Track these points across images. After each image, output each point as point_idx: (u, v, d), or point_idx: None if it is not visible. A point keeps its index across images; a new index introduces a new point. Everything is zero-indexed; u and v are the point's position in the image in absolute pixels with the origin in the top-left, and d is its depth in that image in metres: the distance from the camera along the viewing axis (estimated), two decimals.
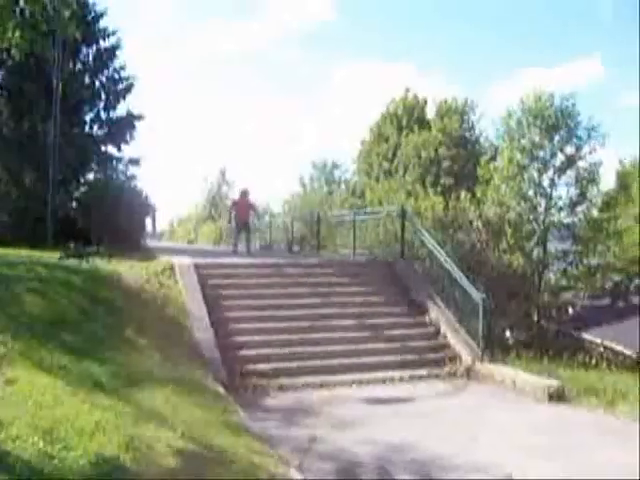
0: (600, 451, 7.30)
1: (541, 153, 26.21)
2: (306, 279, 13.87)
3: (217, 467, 4.96)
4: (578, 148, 26.33)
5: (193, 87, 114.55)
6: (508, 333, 24.45)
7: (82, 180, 23.41)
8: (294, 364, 10.82)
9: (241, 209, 19.82)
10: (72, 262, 12.90)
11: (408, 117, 43.35)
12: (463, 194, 27.59)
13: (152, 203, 20.89)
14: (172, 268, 13.13)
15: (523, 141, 26.26)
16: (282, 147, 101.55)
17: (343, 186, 53.23)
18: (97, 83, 24.00)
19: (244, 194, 19.92)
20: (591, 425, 8.46)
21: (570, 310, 29.99)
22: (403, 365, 11.38)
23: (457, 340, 12.16)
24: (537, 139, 26.12)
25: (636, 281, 29.28)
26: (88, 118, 23.99)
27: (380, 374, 10.93)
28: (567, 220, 27.09)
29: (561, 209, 26.84)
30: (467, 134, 42.23)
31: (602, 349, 23.05)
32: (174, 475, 4.46)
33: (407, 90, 44.71)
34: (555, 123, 25.82)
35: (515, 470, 6.54)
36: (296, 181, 60.41)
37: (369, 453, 7.03)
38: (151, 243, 23.12)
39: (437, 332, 12.58)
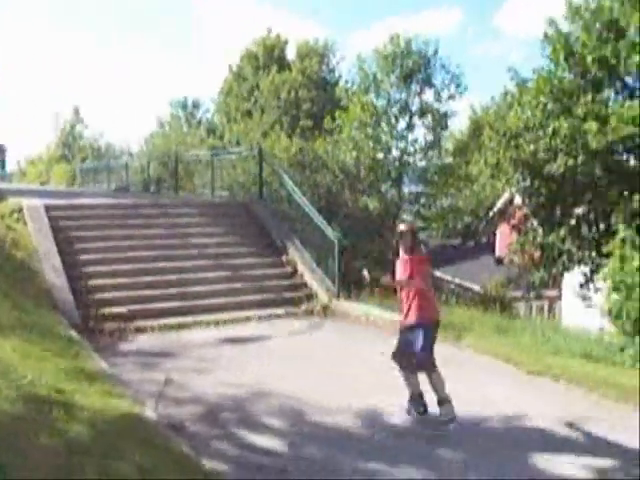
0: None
1: (397, 96, 26.73)
2: (163, 220, 13.68)
3: (67, 411, 4.89)
4: (436, 94, 27.09)
5: (42, 21, 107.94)
6: (365, 272, 25.21)
7: None
8: (152, 306, 10.72)
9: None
10: None
11: (268, 57, 42.77)
12: (320, 137, 27.85)
13: (1, 143, 19.80)
14: (21, 210, 12.58)
15: (382, 86, 26.64)
16: (141, 85, 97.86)
17: (203, 126, 52.14)
18: None
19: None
20: (439, 357, 8.90)
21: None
22: (261, 305, 11.53)
23: (314, 279, 12.43)
24: (395, 83, 26.59)
25: (484, 223, 30.90)
26: None
27: (238, 314, 11.03)
28: (421, 164, 28.03)
29: (415, 152, 27.65)
30: (327, 76, 42.25)
31: (453, 286, 24.28)
32: (21, 420, 4.36)
33: (269, 30, 44.05)
34: (413, 68, 26.33)
35: (378, 403, 6.81)
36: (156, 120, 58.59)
37: (225, 394, 7.09)
38: (0, 185, 21.94)
39: (294, 272, 12.80)
